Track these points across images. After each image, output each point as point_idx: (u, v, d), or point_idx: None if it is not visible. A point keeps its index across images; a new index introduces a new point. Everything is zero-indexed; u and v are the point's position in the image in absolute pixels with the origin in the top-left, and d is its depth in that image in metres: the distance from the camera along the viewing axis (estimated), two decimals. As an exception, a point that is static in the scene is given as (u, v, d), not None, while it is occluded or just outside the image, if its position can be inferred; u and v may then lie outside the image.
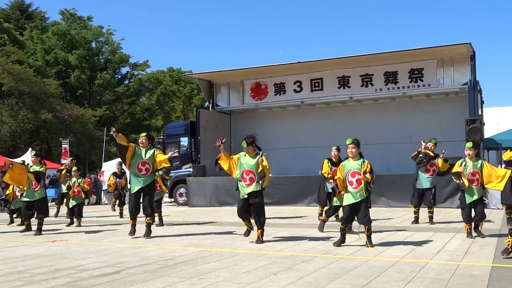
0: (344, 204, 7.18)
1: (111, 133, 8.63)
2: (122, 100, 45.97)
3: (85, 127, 36.76)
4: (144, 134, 9.14)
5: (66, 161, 24.19)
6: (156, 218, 10.62)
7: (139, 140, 8.92)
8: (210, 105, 21.55)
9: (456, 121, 16.65)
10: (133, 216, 8.83)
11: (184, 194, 19.32)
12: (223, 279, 5.13)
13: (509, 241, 5.97)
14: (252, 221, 7.86)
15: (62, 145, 26.45)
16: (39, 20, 46.05)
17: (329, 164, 9.68)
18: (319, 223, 9.05)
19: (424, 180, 10.21)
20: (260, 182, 7.59)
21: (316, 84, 19.66)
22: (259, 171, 7.58)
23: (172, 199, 20.01)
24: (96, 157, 35.61)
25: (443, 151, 10.08)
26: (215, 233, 9.23)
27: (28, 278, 5.39)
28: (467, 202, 7.79)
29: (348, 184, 7.05)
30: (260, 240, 7.67)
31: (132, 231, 8.87)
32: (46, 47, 41.76)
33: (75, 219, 11.67)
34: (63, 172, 12.94)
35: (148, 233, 8.79)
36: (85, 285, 4.96)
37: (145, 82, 48.87)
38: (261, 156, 7.67)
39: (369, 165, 7.00)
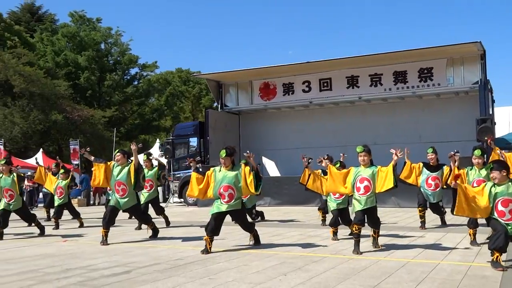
0: (355, 210, 6.76)
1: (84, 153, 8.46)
2: (131, 101, 46.16)
3: (94, 128, 36.96)
4: (117, 151, 8.55)
5: (76, 161, 24.48)
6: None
7: (115, 158, 8.33)
8: (219, 105, 21.58)
9: (466, 121, 16.56)
10: (106, 225, 8.19)
11: (193, 194, 19.32)
12: (232, 279, 5.13)
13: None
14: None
15: (71, 146, 26.60)
16: (49, 22, 46.37)
17: (322, 174, 9.49)
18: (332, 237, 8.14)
19: (428, 196, 9.50)
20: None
21: (325, 84, 19.62)
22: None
23: (182, 200, 20.06)
24: (106, 157, 35.71)
25: (455, 150, 8.13)
26: (224, 233, 9.22)
27: (40, 277, 5.43)
28: None
29: (355, 190, 6.75)
30: (258, 242, 7.57)
31: (104, 241, 8.12)
32: (56, 49, 42.06)
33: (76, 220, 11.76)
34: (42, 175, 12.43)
35: (153, 235, 8.84)
36: (95, 285, 4.99)
37: (154, 83, 49.02)
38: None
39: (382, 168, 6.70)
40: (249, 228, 7.60)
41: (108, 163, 8.43)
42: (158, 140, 30.63)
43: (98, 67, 43.13)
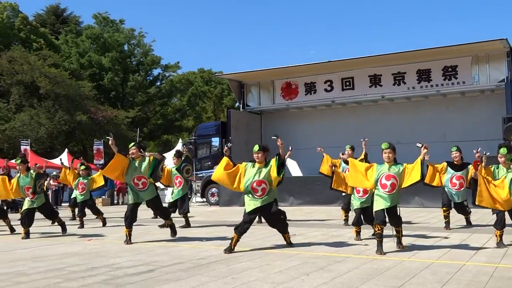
0: (376, 209, 6.68)
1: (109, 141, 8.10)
2: (154, 101, 46.62)
3: (118, 128, 37.40)
4: (132, 144, 8.35)
5: (100, 161, 24.81)
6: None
7: (130, 152, 8.24)
8: (241, 105, 21.64)
9: (492, 119, 16.29)
10: (129, 225, 8.20)
11: (216, 194, 19.44)
12: (255, 279, 5.13)
13: None
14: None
15: (95, 146, 26.99)
16: (73, 24, 47.17)
17: (343, 163, 9.47)
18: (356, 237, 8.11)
19: (452, 195, 9.32)
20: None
21: (347, 83, 19.51)
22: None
23: (204, 199, 20.17)
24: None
25: (478, 148, 7.97)
26: (247, 233, 9.22)
27: (66, 275, 5.52)
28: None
29: (380, 186, 6.65)
30: (290, 243, 7.48)
31: (127, 240, 8.18)
32: (80, 50, 42.72)
33: (97, 218, 11.93)
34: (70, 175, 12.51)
35: (172, 234, 8.76)
36: (120, 283, 5.05)
37: (176, 83, 49.41)
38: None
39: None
40: (282, 227, 7.42)
41: (127, 157, 8.27)
42: (180, 140, 30.87)
43: (121, 68, 43.67)
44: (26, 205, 9.54)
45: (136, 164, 8.17)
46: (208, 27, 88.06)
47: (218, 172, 7.33)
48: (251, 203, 7.09)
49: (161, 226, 10.47)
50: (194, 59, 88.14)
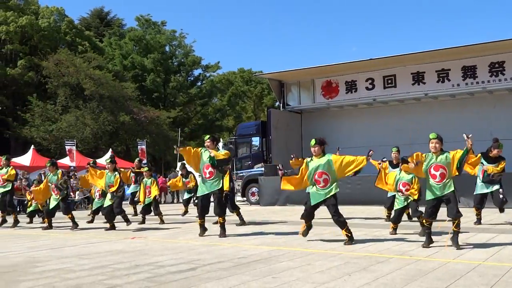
0: (427, 199, 6.86)
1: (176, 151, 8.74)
2: (195, 102, 47.19)
3: (160, 128, 38.07)
4: (207, 136, 8.86)
5: (144, 161, 25.26)
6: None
7: (205, 144, 8.76)
8: (281, 104, 21.60)
9: (542, 117, 15.66)
10: (200, 216, 8.85)
11: (256, 193, 19.49)
12: (296, 278, 5.11)
13: None
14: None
15: (139, 146, 27.53)
16: (117, 27, 48.34)
17: (389, 166, 9.60)
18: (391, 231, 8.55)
19: (485, 186, 9.46)
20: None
21: (389, 81, 19.17)
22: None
23: (245, 198, 20.26)
24: (171, 157, 36.76)
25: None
26: (287, 233, 9.23)
27: (111, 272, 5.65)
28: None
29: (430, 177, 6.78)
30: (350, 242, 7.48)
31: (201, 231, 8.87)
32: (123, 52, 43.71)
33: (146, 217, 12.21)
34: (129, 174, 13.11)
35: (222, 233, 8.77)
36: (163, 281, 5.13)
37: (216, 83, 49.86)
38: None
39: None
40: (341, 222, 7.61)
41: (198, 149, 8.87)
42: (221, 140, 31.16)
43: (163, 69, 44.41)
44: (108, 201, 10.49)
45: (207, 154, 8.65)
46: (248, 27, 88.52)
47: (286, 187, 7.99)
48: (313, 198, 7.53)
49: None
50: (234, 59, 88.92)
